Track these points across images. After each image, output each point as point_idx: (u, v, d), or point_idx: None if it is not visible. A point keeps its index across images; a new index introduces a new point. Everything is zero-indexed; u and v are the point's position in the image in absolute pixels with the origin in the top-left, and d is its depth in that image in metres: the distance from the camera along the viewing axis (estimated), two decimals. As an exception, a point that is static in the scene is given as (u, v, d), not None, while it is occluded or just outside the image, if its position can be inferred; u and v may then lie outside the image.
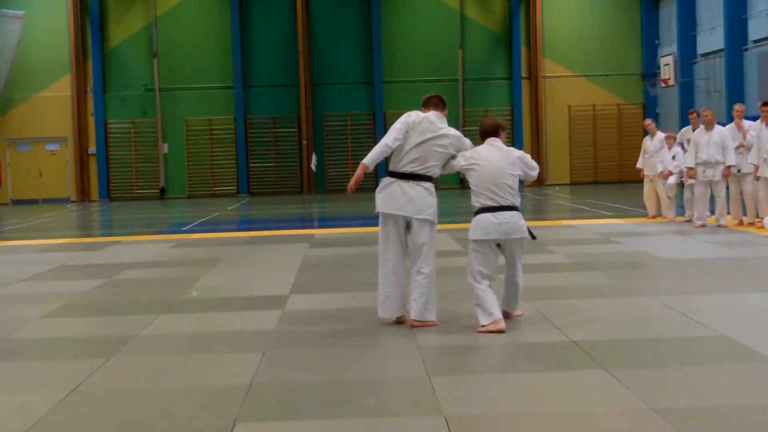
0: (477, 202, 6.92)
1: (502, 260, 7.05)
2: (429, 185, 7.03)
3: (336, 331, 7.04)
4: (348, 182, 7.19)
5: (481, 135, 7.18)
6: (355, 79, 32.76)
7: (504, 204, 6.87)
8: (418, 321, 6.97)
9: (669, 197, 15.67)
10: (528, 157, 7.16)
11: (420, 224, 6.97)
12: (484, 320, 6.76)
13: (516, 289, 7.11)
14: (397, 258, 7.06)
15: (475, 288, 6.85)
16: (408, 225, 7.03)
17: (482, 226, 6.85)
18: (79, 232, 19.69)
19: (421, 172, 7.00)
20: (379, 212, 7.08)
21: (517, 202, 6.96)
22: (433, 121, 7.08)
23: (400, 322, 7.12)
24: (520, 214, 6.95)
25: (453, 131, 7.16)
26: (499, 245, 6.96)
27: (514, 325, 6.94)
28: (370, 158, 7.01)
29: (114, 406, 5.07)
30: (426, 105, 7.25)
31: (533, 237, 7.10)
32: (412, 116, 7.09)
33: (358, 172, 6.97)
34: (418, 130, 7.02)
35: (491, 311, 6.75)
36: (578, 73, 32.94)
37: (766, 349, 5.89)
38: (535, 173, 7.14)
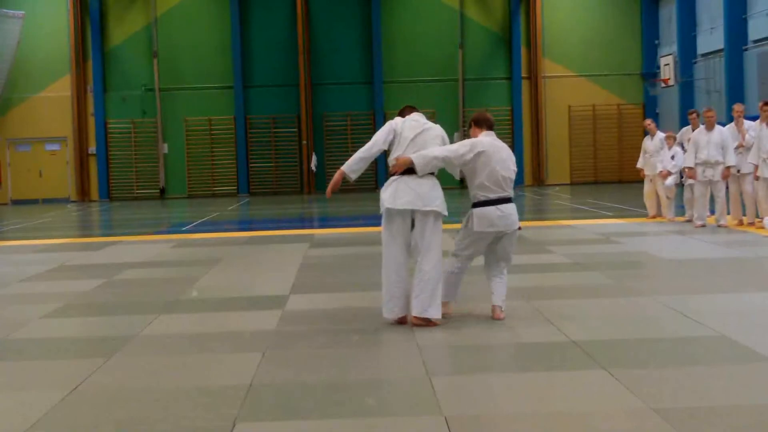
0: (481, 195, 6.95)
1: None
2: (433, 179, 7.08)
3: (336, 331, 7.04)
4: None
5: (476, 122, 7.25)
6: (355, 79, 32.76)
7: (505, 196, 7.00)
8: (419, 318, 6.97)
9: (668, 197, 15.67)
10: None
11: (426, 217, 6.94)
12: (444, 299, 7.04)
13: (505, 280, 7.27)
14: (402, 257, 7.06)
15: (453, 265, 7.09)
16: (413, 222, 7.03)
17: (488, 218, 6.95)
18: (79, 232, 19.69)
19: None
20: (383, 212, 7.05)
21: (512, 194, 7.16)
22: (417, 119, 7.21)
23: (402, 322, 7.12)
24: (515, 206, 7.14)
25: (437, 126, 7.29)
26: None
27: (515, 325, 6.95)
28: (349, 167, 7.04)
29: (114, 406, 5.07)
30: (403, 113, 7.33)
31: (519, 228, 7.28)
32: (396, 120, 7.21)
33: (336, 177, 7.03)
34: (406, 129, 7.10)
35: (448, 295, 7.11)
36: (578, 73, 32.94)
37: (766, 349, 5.89)
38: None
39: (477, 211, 6.98)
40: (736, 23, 25.57)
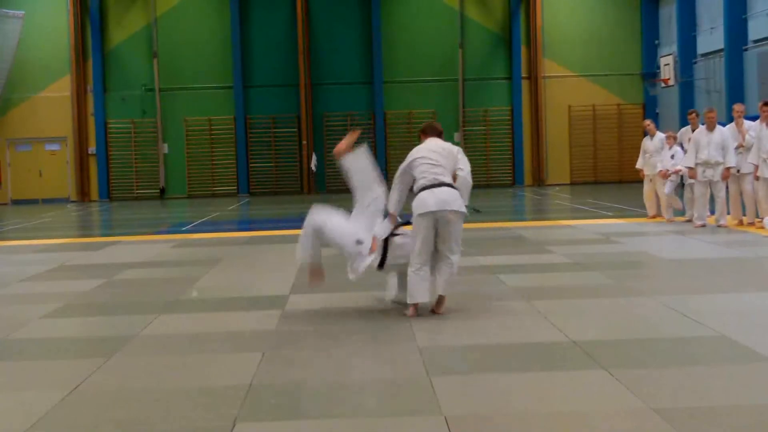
0: (419, 186, 7.53)
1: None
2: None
3: (336, 331, 7.04)
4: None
5: (423, 131, 7.90)
6: (355, 79, 32.76)
7: (439, 181, 7.47)
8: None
9: (672, 206, 15.62)
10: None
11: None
12: (411, 300, 7.45)
13: (449, 267, 7.59)
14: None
15: (412, 266, 7.38)
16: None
17: (423, 200, 7.39)
18: (79, 232, 19.69)
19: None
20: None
21: None
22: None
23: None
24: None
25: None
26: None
27: (515, 325, 6.95)
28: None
29: (114, 406, 5.07)
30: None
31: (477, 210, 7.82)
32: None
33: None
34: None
35: (415, 296, 7.47)
36: (578, 73, 32.94)
37: (766, 349, 5.89)
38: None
39: (415, 198, 7.39)
40: (736, 23, 25.57)
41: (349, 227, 7.52)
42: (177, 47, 32.49)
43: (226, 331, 7.15)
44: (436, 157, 7.45)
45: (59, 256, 13.05)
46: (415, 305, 7.38)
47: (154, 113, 32.50)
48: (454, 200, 7.30)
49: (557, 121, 33.06)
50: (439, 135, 7.80)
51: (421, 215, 7.28)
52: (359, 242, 7.52)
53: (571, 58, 32.94)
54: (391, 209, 7.53)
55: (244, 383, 5.42)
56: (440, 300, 7.47)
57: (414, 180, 7.47)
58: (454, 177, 7.49)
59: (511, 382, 5.35)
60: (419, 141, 7.83)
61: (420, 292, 7.31)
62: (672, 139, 15.76)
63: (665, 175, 15.44)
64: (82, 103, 32.30)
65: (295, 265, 11.13)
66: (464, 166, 7.56)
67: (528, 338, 6.50)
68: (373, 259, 7.51)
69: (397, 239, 7.58)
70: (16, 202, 32.09)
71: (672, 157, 15.50)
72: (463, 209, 7.38)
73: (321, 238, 7.58)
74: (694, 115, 15.53)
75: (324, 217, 7.52)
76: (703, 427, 4.39)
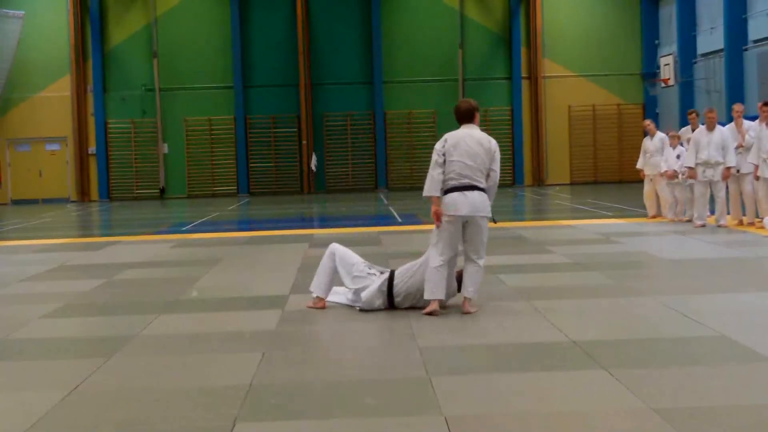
0: (449, 183, 7.51)
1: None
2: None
3: (335, 331, 7.04)
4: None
5: (458, 121, 7.73)
6: (355, 79, 32.76)
7: (470, 184, 7.52)
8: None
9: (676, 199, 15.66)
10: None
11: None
12: (429, 296, 7.53)
13: (478, 269, 7.66)
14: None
15: (434, 261, 7.48)
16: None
17: (453, 202, 7.47)
18: (79, 232, 19.69)
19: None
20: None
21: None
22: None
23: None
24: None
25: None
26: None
27: (515, 325, 6.95)
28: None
29: (114, 406, 5.07)
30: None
31: (495, 221, 7.81)
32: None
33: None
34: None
35: (434, 292, 7.51)
36: (578, 73, 32.95)
37: (766, 349, 5.89)
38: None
39: (445, 197, 7.42)
40: (736, 23, 25.57)
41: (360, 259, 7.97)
42: (177, 47, 32.49)
43: (226, 331, 7.15)
44: (471, 155, 7.40)
45: (59, 256, 13.05)
46: (435, 301, 7.41)
47: (154, 113, 32.50)
48: (484, 206, 7.42)
49: (557, 121, 33.06)
50: (472, 118, 7.62)
51: (450, 216, 7.38)
52: (370, 267, 7.86)
53: (570, 58, 32.94)
54: (433, 193, 7.47)
55: (244, 383, 5.42)
56: (467, 301, 7.52)
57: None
58: (487, 175, 7.52)
59: (511, 382, 5.35)
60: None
61: (439, 289, 7.39)
62: (676, 139, 15.70)
63: (672, 176, 15.37)
64: (82, 103, 32.30)
65: (295, 264, 11.17)
66: (497, 167, 7.58)
67: (528, 338, 6.50)
68: (382, 282, 7.65)
69: (403, 267, 7.79)
70: (16, 202, 32.09)
71: (678, 157, 15.42)
72: (490, 214, 7.51)
73: (334, 263, 7.86)
74: (694, 115, 15.51)
75: (339, 245, 8.01)
76: (703, 427, 4.39)
